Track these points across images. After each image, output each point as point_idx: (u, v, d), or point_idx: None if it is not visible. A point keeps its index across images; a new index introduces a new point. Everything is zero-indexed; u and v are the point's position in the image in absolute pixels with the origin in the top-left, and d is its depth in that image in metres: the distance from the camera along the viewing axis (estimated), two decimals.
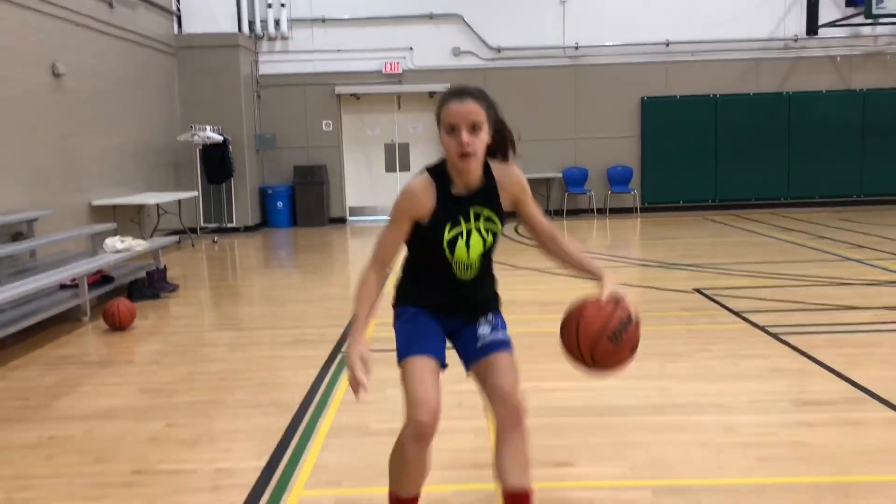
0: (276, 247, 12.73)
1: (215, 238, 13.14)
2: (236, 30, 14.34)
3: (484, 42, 15.14)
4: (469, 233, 2.70)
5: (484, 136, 2.60)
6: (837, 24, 14.67)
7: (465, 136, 2.54)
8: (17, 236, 8.55)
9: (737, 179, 15.36)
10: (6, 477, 3.65)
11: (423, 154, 15.52)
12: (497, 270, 2.97)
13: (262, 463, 3.69)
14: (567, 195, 15.23)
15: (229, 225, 14.24)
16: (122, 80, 11.61)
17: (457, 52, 15.16)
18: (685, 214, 15.00)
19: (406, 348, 2.79)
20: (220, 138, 13.33)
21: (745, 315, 6.38)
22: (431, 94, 15.44)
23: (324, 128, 15.35)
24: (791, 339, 5.57)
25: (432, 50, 15.11)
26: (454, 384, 4.46)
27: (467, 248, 2.71)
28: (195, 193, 13.14)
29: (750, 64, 15.19)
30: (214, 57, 13.94)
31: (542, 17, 15.09)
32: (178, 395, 4.83)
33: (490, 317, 2.88)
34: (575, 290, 7.47)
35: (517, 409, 2.73)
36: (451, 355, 2.88)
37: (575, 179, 15.30)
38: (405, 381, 2.73)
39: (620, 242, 11.91)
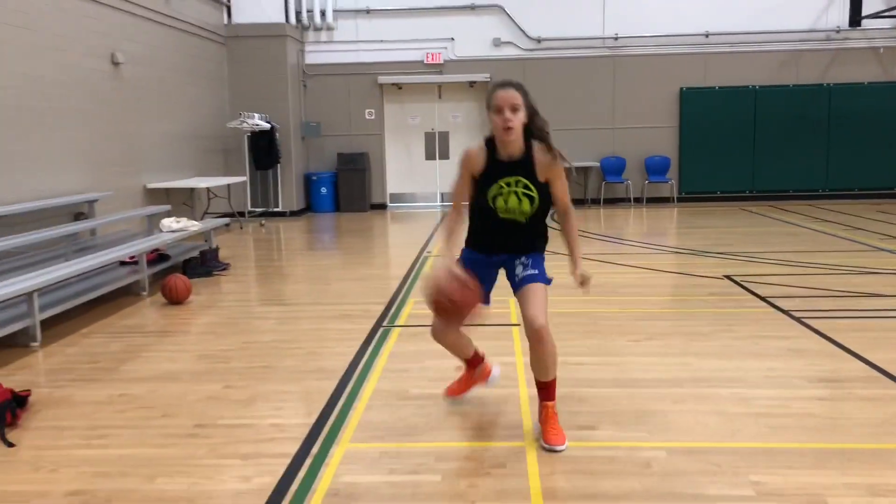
0: (319, 230, 13.17)
1: (262, 221, 13.64)
2: (283, 20, 14.77)
3: (524, 33, 15.37)
4: (509, 193, 3.61)
5: (521, 116, 3.52)
6: (881, 15, 14.60)
7: (507, 113, 3.49)
8: (78, 216, 9.09)
9: (775, 171, 15.41)
10: (84, 427, 4.08)
11: (463, 142, 15.74)
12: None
13: (312, 420, 4.06)
14: (605, 184, 15.42)
15: (275, 209, 14.73)
16: (175, 69, 12.12)
17: (497, 43, 15.42)
18: (722, 205, 15.11)
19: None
20: (267, 126, 13.79)
21: (771, 300, 6.59)
22: (472, 84, 15.73)
23: (366, 116, 15.76)
24: (813, 323, 5.79)
25: (473, 41, 15.40)
26: (490, 357, 4.79)
27: (506, 204, 3.62)
28: (244, 178, 13.64)
29: (790, 55, 15.19)
30: (262, 46, 14.41)
31: (581, 8, 15.27)
32: (232, 361, 5.24)
33: (523, 258, 3.78)
34: (601, 274, 8.01)
35: (539, 331, 3.62)
36: None
37: (613, 169, 15.48)
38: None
39: (655, 231, 12.10)
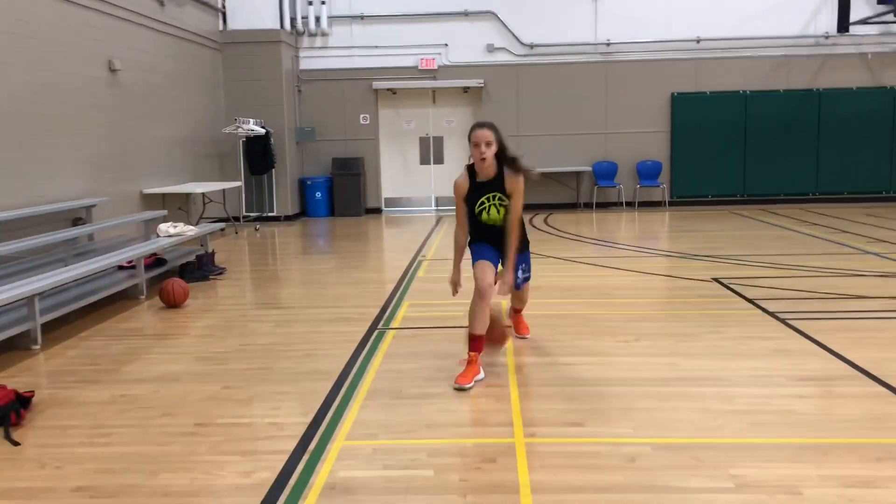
0: (314, 235, 13.29)
1: (258, 226, 13.76)
2: (278, 26, 14.90)
3: (517, 39, 15.54)
4: (490, 206, 4.83)
5: (493, 148, 4.72)
6: (869, 21, 14.79)
7: (483, 148, 4.69)
8: (76, 221, 9.20)
9: (765, 175, 15.59)
10: (87, 426, 4.20)
11: (457, 147, 15.99)
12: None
13: (309, 419, 4.19)
14: (597, 188, 15.59)
15: (270, 214, 14.86)
16: (171, 75, 12.24)
17: (491, 49, 15.58)
18: (713, 209, 15.28)
19: (474, 259, 4.95)
20: (262, 131, 13.93)
21: (758, 302, 6.75)
22: (466, 90, 15.89)
23: (361, 121, 15.89)
24: (798, 324, 5.94)
25: (467, 46, 15.56)
26: (482, 357, 4.92)
27: (488, 214, 4.86)
28: (239, 183, 13.76)
29: (780, 60, 15.39)
30: (257, 52, 14.54)
31: (574, 15, 15.45)
32: (231, 362, 5.36)
33: (521, 263, 5.05)
34: (593, 276, 8.18)
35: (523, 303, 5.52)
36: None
37: (605, 173, 15.65)
38: (475, 272, 4.87)
39: (647, 234, 12.26)
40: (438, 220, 14.51)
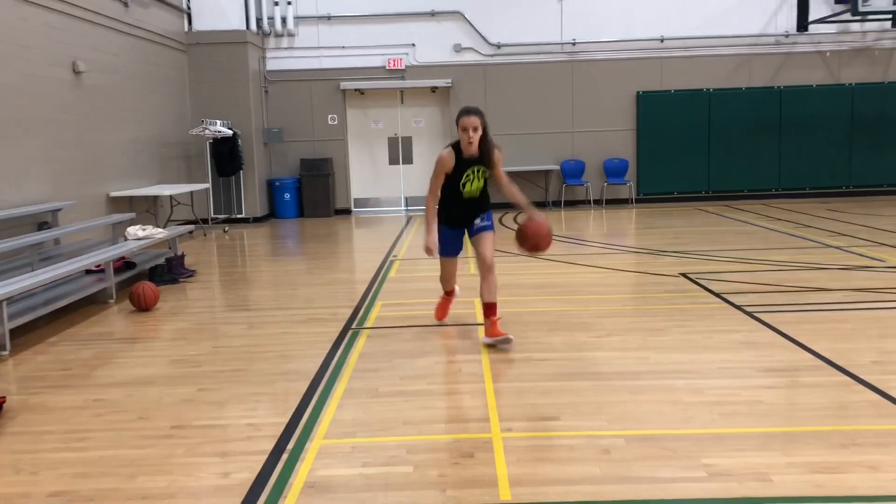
0: (284, 237, 13.25)
1: (226, 228, 13.68)
2: (244, 27, 14.82)
3: (484, 38, 15.62)
4: (474, 179, 5.48)
5: (479, 133, 5.32)
6: (827, 20, 15.12)
7: (471, 133, 5.30)
8: (42, 225, 9.07)
9: (729, 171, 15.86)
10: (62, 431, 4.17)
11: (426, 147, 16.03)
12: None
13: (286, 419, 4.20)
14: (565, 187, 15.73)
15: (238, 216, 14.77)
16: (136, 77, 12.11)
17: (458, 49, 15.64)
18: (679, 205, 15.51)
19: (441, 251, 5.66)
20: (229, 132, 13.85)
21: (724, 296, 6.88)
22: (434, 90, 15.93)
23: (329, 122, 15.86)
24: (764, 317, 6.08)
25: (434, 46, 15.61)
26: (457, 354, 5.00)
27: (471, 186, 5.50)
28: (207, 185, 13.66)
29: (742, 59, 15.67)
30: (224, 53, 14.45)
31: (540, 14, 15.57)
32: (205, 365, 5.35)
33: (483, 216, 5.63)
34: (563, 274, 8.28)
35: (488, 264, 5.49)
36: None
37: (572, 171, 15.80)
38: (441, 265, 5.87)
39: (614, 231, 12.41)
40: (409, 220, 14.54)
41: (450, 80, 15.57)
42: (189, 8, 14.59)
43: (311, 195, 15.59)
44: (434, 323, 6.20)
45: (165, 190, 11.89)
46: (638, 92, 15.76)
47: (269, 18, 15.40)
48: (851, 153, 15.82)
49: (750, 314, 6.22)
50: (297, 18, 15.52)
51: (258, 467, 3.57)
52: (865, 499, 3.12)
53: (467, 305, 6.76)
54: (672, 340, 5.59)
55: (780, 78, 15.74)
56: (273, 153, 15.80)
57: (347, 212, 16.18)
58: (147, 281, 7.64)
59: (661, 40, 15.58)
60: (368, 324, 6.38)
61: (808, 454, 3.53)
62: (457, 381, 4.77)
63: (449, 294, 6.21)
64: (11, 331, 5.94)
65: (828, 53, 15.67)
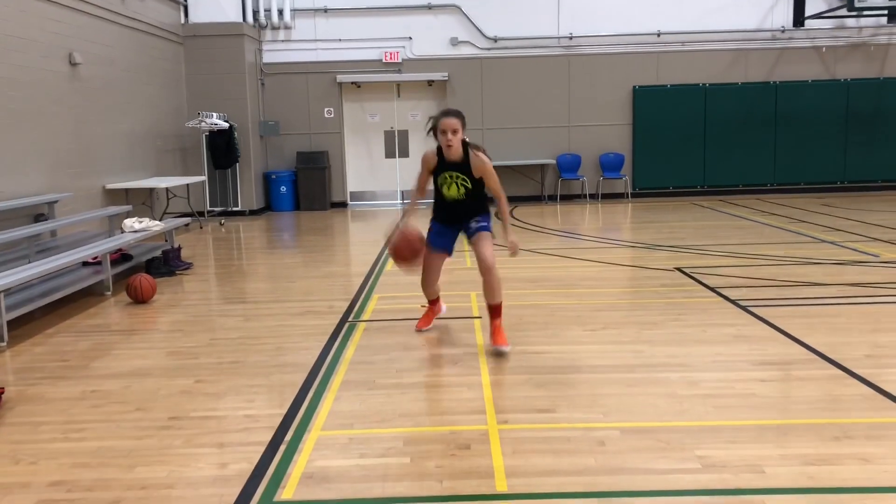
0: (280, 229, 13.25)
1: (222, 221, 13.67)
2: (241, 19, 14.79)
3: (481, 32, 15.62)
4: (451, 183, 5.26)
5: (459, 136, 5.10)
6: (823, 15, 15.16)
7: (449, 135, 5.07)
8: (38, 217, 9.07)
9: (725, 166, 15.91)
10: (60, 422, 4.19)
11: (422, 141, 15.96)
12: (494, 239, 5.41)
13: (284, 410, 4.23)
14: (561, 181, 15.76)
15: (235, 209, 14.77)
16: (132, 69, 12.09)
17: (454, 42, 15.64)
18: (674, 200, 15.55)
19: (429, 245, 5.41)
20: (225, 125, 13.83)
21: (719, 290, 6.93)
22: (430, 83, 15.93)
23: (325, 115, 15.85)
24: (758, 311, 6.12)
25: (431, 40, 15.60)
26: (454, 347, 5.04)
27: (449, 190, 5.29)
28: (203, 178, 13.65)
29: (738, 54, 15.70)
30: (220, 45, 14.42)
31: (537, 8, 15.57)
32: (202, 357, 5.37)
33: (478, 217, 5.36)
34: (558, 268, 8.32)
35: (488, 264, 5.18)
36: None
37: (568, 166, 15.82)
38: (423, 260, 5.44)
39: (610, 226, 12.44)
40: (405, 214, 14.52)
41: (446, 74, 15.57)
42: (185, 0, 14.54)
43: (308, 188, 15.59)
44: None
45: (162, 182, 11.88)
46: (634, 86, 15.77)
47: (265, 11, 15.37)
48: (846, 148, 15.87)
49: (744, 308, 6.26)
50: (294, 11, 15.50)
51: (256, 458, 3.60)
52: (857, 490, 3.16)
53: (464, 299, 6.79)
54: (667, 334, 5.62)
55: (775, 73, 15.77)
56: (269, 146, 15.79)
57: (343, 205, 16.19)
58: (144, 273, 7.65)
59: (658, 35, 15.60)
60: (365, 316, 6.40)
61: (800, 446, 3.57)
62: (453, 373, 4.80)
63: (433, 304, 5.83)
64: (9, 322, 5.95)
65: (823, 49, 15.71)
